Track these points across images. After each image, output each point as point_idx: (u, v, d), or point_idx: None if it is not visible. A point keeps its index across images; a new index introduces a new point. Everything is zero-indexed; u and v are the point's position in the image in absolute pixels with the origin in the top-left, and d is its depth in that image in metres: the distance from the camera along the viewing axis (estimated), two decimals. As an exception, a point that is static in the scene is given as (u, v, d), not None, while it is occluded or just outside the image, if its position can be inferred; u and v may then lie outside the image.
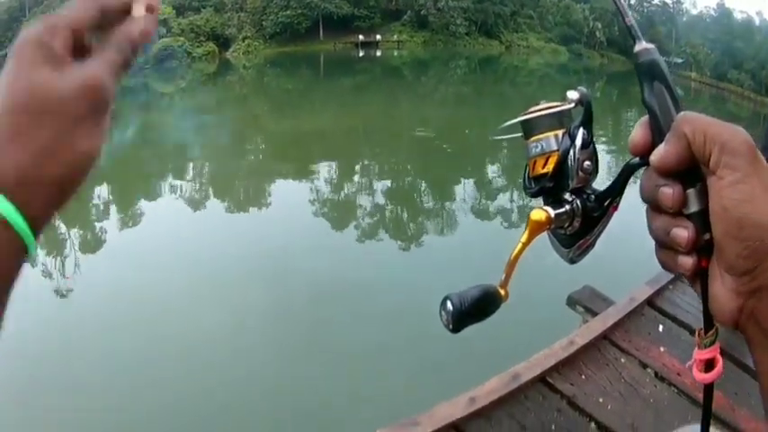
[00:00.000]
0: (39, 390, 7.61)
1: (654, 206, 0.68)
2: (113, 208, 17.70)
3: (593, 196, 0.78)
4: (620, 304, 4.91)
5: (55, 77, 0.60)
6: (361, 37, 74.27)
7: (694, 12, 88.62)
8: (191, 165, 23.12)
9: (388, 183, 17.62)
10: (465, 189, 17.74)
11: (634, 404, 3.79)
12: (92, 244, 14.77)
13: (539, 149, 0.81)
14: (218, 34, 73.74)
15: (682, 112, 0.68)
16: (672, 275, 5.07)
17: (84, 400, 7.24)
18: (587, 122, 0.79)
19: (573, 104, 0.80)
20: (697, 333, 0.70)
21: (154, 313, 9.41)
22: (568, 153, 0.78)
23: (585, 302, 5.41)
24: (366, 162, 21.97)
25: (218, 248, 12.43)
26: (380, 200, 16.45)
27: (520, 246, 0.78)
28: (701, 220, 0.65)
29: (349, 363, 7.85)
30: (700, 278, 0.67)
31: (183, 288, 10.33)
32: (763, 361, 0.63)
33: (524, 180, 0.85)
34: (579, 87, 0.80)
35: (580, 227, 0.79)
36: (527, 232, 0.77)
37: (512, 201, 16.15)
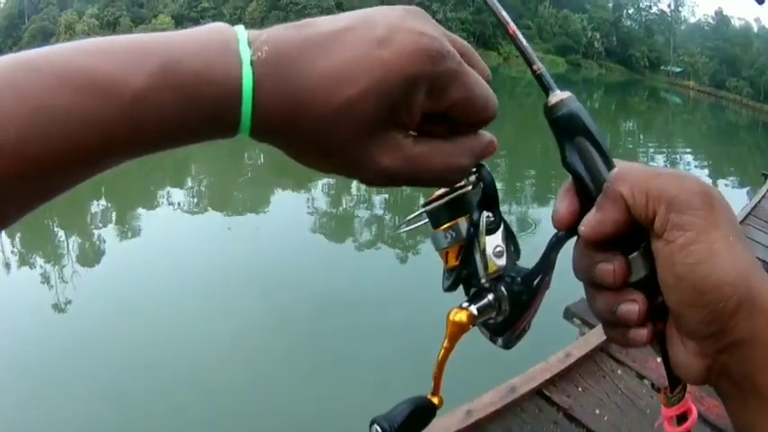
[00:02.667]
0: (36, 399, 7.59)
1: (592, 284, 0.60)
2: (111, 218, 17.80)
3: (518, 278, 0.68)
4: None
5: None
6: (359, 48, 74.40)
7: (693, 20, 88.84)
8: (189, 177, 23.22)
9: (386, 195, 17.62)
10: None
11: (631, 415, 3.78)
12: (90, 255, 14.83)
13: (447, 240, 0.70)
14: (215, 45, 74.75)
15: (614, 169, 0.59)
16: None
17: (79, 411, 7.30)
18: (491, 203, 0.68)
19: (471, 186, 0.68)
20: (662, 392, 0.64)
21: (151, 324, 9.40)
22: (473, 242, 0.68)
23: (582, 315, 5.39)
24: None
25: (215, 260, 12.38)
26: (379, 212, 16.52)
27: (443, 351, 0.69)
28: (650, 286, 0.57)
29: (345, 375, 7.82)
30: (657, 341, 0.60)
31: (179, 299, 10.32)
32: (738, 414, 0.58)
33: (443, 274, 0.74)
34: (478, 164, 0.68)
35: (510, 312, 0.68)
36: (448, 336, 0.68)
37: (509, 213, 16.15)
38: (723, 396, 0.58)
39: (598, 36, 76.96)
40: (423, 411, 0.69)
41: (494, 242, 0.67)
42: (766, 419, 0.54)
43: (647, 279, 0.57)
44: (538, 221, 14.04)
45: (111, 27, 70.28)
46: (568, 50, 76.94)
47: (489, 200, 0.67)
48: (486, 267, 0.67)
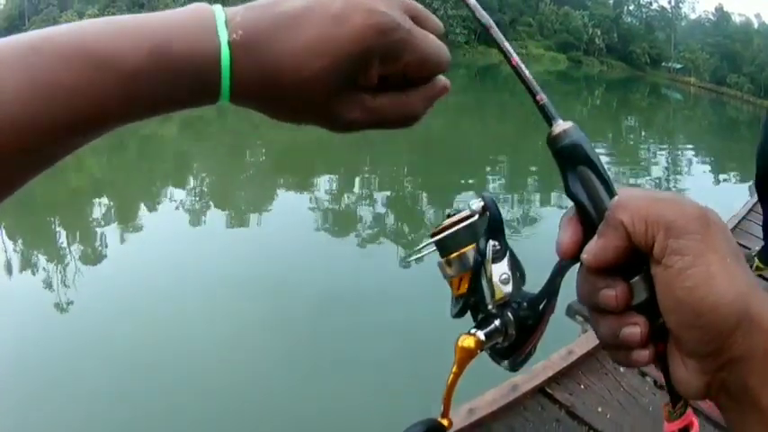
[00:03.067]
0: (36, 400, 7.63)
1: (596, 309, 0.63)
2: (113, 217, 17.79)
3: (524, 303, 0.72)
4: None
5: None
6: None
7: (693, 16, 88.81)
8: (190, 175, 23.33)
9: (388, 193, 17.59)
10: (466, 199, 17.72)
11: (633, 413, 3.78)
12: (91, 253, 14.90)
13: (454, 269, 0.74)
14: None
15: (615, 197, 0.61)
16: None
17: (79, 411, 7.35)
18: (496, 232, 0.72)
19: (477, 216, 0.73)
20: (663, 407, 0.65)
21: (151, 324, 9.45)
22: (480, 270, 0.72)
23: (584, 312, 5.22)
24: (367, 173, 22.11)
25: (216, 258, 12.47)
26: (381, 211, 16.49)
27: (452, 376, 0.74)
28: (651, 308, 0.59)
29: (347, 375, 7.83)
30: (659, 361, 0.62)
31: (180, 298, 10.37)
32: (737, 425, 0.59)
33: (451, 301, 0.77)
34: (483, 194, 0.75)
35: (516, 337, 0.73)
36: (457, 362, 0.72)
37: (511, 210, 16.17)
38: (722, 409, 0.59)
39: (599, 33, 76.96)
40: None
41: (500, 270, 0.70)
42: (760, 425, 0.56)
43: (648, 302, 0.58)
44: (540, 217, 14.03)
45: (111, 28, 71.51)
46: (569, 47, 76.91)
47: (495, 229, 0.71)
48: (492, 294, 0.71)
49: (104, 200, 20.22)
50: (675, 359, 0.59)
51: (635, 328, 0.59)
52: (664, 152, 29.28)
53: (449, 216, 0.76)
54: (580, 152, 0.62)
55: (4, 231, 18.26)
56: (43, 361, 8.68)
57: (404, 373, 7.70)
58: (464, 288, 0.73)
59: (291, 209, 17.29)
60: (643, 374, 4.16)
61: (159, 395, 7.63)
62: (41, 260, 14.56)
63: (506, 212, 15.83)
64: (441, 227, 0.74)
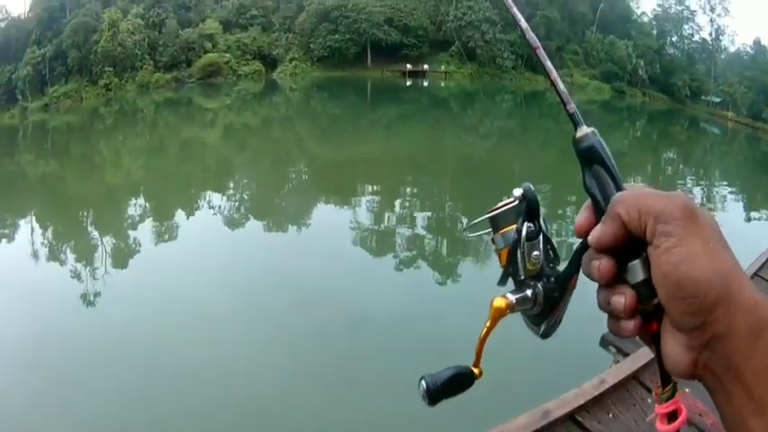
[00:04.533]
0: (57, 387, 8.00)
1: (592, 279, 0.75)
2: (149, 219, 18.02)
3: (552, 278, 0.85)
4: None
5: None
6: (408, 66, 73.26)
7: (732, 49, 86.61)
8: (231, 182, 23.40)
9: (429, 213, 17.40)
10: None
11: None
12: (125, 252, 15.06)
13: (499, 244, 0.89)
14: (264, 54, 73.42)
15: (617, 193, 0.73)
16: None
17: (94, 406, 7.57)
18: (532, 216, 0.85)
19: (516, 201, 0.87)
20: (654, 391, 0.74)
21: (179, 328, 9.58)
22: (516, 247, 0.86)
23: (618, 343, 5.59)
24: (408, 192, 21.85)
25: (253, 267, 12.56)
26: (421, 230, 16.45)
27: (485, 330, 0.86)
28: (647, 288, 0.70)
29: (379, 393, 7.86)
30: (653, 340, 0.72)
31: (212, 304, 10.42)
32: (724, 406, 0.67)
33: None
34: (524, 184, 0.87)
35: (543, 307, 0.85)
36: (491, 318, 0.85)
37: (552, 234, 15.96)
38: (710, 389, 0.68)
39: (642, 63, 75.51)
40: (464, 377, 0.88)
41: (533, 247, 0.85)
42: (749, 408, 0.64)
43: (644, 283, 0.71)
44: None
45: (156, 28, 70.08)
46: (614, 77, 75.58)
47: (531, 212, 0.86)
48: (525, 268, 0.86)
49: (140, 200, 20.78)
50: (667, 336, 0.70)
51: (621, 298, 0.71)
52: (700, 187, 29.12)
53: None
54: (596, 153, 0.76)
55: (35, 221, 18.72)
56: (66, 353, 8.97)
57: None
58: (505, 260, 0.88)
59: (330, 223, 17.30)
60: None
61: (177, 399, 7.77)
62: (70, 254, 15.06)
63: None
64: (492, 208, 0.90)
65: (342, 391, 8.03)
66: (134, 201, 20.64)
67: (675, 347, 0.68)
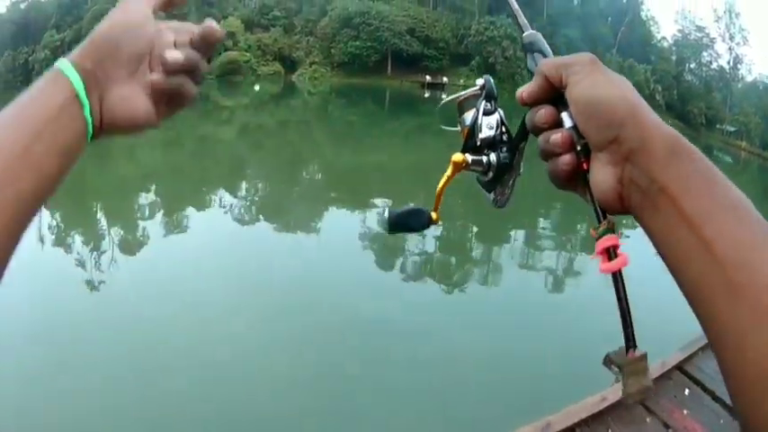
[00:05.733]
0: (59, 374, 7.86)
1: (537, 131, 0.84)
2: (159, 212, 17.95)
3: (504, 148, 0.98)
4: (653, 367, 5.06)
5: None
6: (428, 77, 73.71)
7: (749, 78, 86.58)
8: (243, 181, 23.38)
9: (438, 231, 17.40)
10: (515, 239, 17.65)
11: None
12: (131, 243, 14.99)
13: (464, 123, 1.02)
14: (285, 55, 74.32)
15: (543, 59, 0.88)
16: (702, 342, 5.35)
17: (92, 405, 7.40)
18: (489, 98, 1.00)
19: (477, 88, 1.01)
20: (591, 231, 0.80)
21: (183, 321, 9.56)
22: (476, 120, 0.99)
23: (621, 361, 5.56)
24: (422, 204, 21.22)
25: (259, 268, 12.53)
26: (430, 242, 16.19)
27: (444, 179, 1.00)
28: (576, 131, 0.79)
29: (382, 405, 7.80)
30: (583, 180, 0.80)
31: (214, 303, 10.37)
32: (652, 222, 0.71)
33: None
34: (484, 75, 1.03)
35: (495, 173, 0.98)
36: (449, 169, 0.99)
37: (559, 254, 16.11)
38: (639, 211, 0.73)
39: (660, 89, 75.59)
40: (421, 215, 1.02)
41: (488, 120, 0.99)
42: (676, 219, 0.67)
43: (574, 127, 0.80)
44: (583, 271, 13.85)
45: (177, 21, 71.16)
46: (631, 102, 75.79)
47: (489, 96, 1.00)
48: (478, 135, 0.99)
49: (151, 194, 20.57)
50: (594, 164, 0.77)
51: (558, 134, 0.81)
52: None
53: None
54: (536, 46, 0.92)
55: (46, 209, 18.62)
56: (69, 340, 8.89)
57: (441, 405, 7.68)
58: (465, 134, 1.01)
59: (341, 229, 17.33)
60: (666, 426, 4.29)
61: (172, 397, 7.61)
62: (78, 241, 14.97)
63: (551, 262, 15.61)
64: (459, 94, 1.05)
65: (344, 399, 7.90)
66: (145, 193, 20.55)
67: (601, 170, 0.75)
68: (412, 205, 1.01)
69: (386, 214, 1.01)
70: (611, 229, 0.77)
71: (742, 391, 0.60)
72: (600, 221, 0.78)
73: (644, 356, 0.75)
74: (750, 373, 0.58)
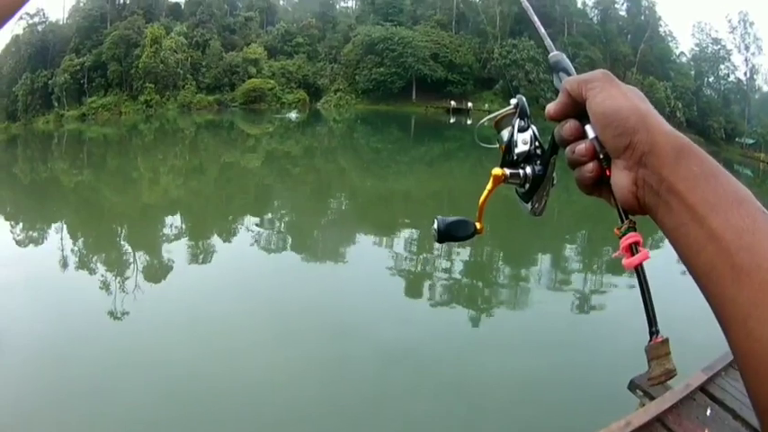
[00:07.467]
0: (73, 399, 7.97)
1: (564, 143, 0.92)
2: (184, 239, 18.09)
3: (538, 161, 1.05)
4: (677, 389, 5.28)
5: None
6: (453, 103, 73.83)
7: (766, 88, 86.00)
8: (269, 209, 23.48)
9: (466, 256, 17.38)
10: (542, 265, 17.64)
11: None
12: (156, 270, 15.06)
13: (502, 140, 1.09)
14: (309, 83, 74.36)
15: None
16: (726, 362, 5.61)
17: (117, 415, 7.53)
18: (522, 115, 1.07)
19: (512, 107, 1.09)
20: (615, 230, 0.86)
21: (204, 352, 9.50)
22: (512, 137, 1.07)
23: (645, 387, 5.78)
24: None
25: (284, 296, 12.50)
26: (458, 268, 16.32)
27: (486, 192, 1.06)
28: (598, 141, 0.86)
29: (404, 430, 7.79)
30: (607, 186, 0.87)
31: (239, 330, 10.40)
32: (666, 220, 0.78)
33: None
34: (518, 95, 1.10)
35: (531, 185, 1.05)
36: (489, 183, 1.05)
37: (584, 280, 16.00)
38: (653, 210, 0.80)
39: (680, 105, 75.30)
40: (468, 226, 1.09)
41: (523, 136, 1.06)
42: (686, 215, 0.74)
43: (597, 138, 0.86)
44: (609, 296, 13.66)
45: (199, 48, 71.62)
46: (652, 120, 75.58)
47: (523, 114, 1.07)
48: (514, 151, 1.06)
49: (176, 220, 20.88)
50: (614, 171, 0.84)
51: (582, 144, 0.88)
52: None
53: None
54: (561, 66, 0.99)
55: (66, 229, 19.14)
56: (89, 364, 8.94)
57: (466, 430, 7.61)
58: (504, 150, 1.08)
59: (367, 257, 17.25)
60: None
61: (198, 421, 7.71)
62: (99, 266, 15.11)
63: (576, 286, 15.46)
64: (496, 113, 1.11)
65: (369, 422, 7.96)
66: (169, 220, 20.84)
67: (619, 175, 0.82)
68: (457, 218, 1.09)
69: (435, 225, 1.07)
70: (633, 228, 0.84)
71: (750, 367, 0.66)
72: (622, 222, 0.85)
73: (666, 341, 0.78)
74: (757, 348, 0.64)
